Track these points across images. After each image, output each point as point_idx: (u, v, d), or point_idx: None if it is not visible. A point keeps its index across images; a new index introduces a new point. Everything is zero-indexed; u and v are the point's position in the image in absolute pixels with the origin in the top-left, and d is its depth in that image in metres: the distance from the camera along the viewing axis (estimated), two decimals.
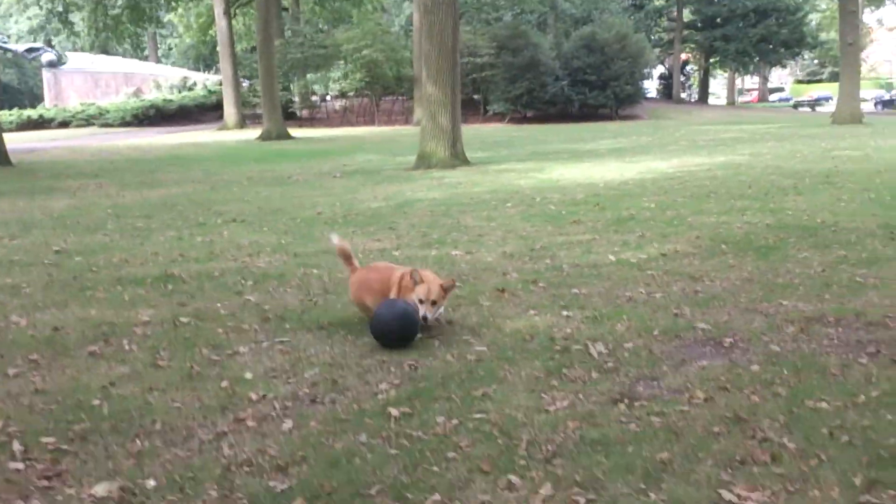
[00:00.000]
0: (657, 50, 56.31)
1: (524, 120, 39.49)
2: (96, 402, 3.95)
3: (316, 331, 5.15)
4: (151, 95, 43.45)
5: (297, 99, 41.42)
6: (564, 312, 5.42)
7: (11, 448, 3.39)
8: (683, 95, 59.80)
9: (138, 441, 3.48)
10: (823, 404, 3.63)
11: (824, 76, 72.94)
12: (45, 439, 3.49)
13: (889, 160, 15.30)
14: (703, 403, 3.74)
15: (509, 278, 6.56)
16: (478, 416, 3.67)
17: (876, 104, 52.57)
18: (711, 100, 63.17)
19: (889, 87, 56.18)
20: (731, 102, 61.23)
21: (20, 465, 3.26)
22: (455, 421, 3.61)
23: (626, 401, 3.81)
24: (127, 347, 4.84)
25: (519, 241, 8.23)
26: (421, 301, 4.70)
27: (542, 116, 38.84)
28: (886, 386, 3.86)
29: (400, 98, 42.66)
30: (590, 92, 38.12)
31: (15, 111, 40.56)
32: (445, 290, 4.84)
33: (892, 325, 4.92)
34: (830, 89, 60.87)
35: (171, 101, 41.70)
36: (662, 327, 5.00)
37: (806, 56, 68.70)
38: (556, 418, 3.60)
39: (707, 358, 4.44)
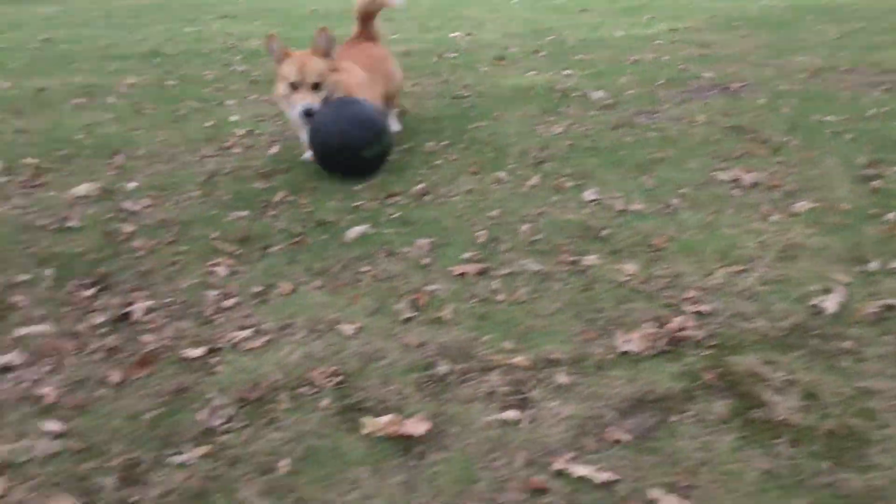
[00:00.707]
0: None
1: None
2: (79, 136, 3.85)
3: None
4: None
5: None
6: (566, 72, 5.19)
7: None
8: None
9: (120, 159, 3.40)
10: (830, 118, 3.48)
11: None
12: (27, 160, 3.41)
13: None
14: (703, 123, 3.60)
15: (510, 51, 6.26)
16: (468, 137, 3.55)
17: None
18: None
19: None
20: None
21: (1, 179, 3.19)
22: (445, 142, 3.49)
23: (623, 127, 3.67)
24: (111, 101, 4.69)
25: (523, 25, 7.86)
26: (294, 86, 3.01)
27: None
28: None
29: None
30: None
31: None
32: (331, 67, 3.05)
33: None
34: None
35: None
36: (667, 78, 4.78)
37: None
38: (548, 138, 3.48)
39: (710, 98, 4.25)
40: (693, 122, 3.64)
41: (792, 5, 8.24)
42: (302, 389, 1.54)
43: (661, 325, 1.68)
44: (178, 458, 1.38)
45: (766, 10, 7.98)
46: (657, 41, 6.31)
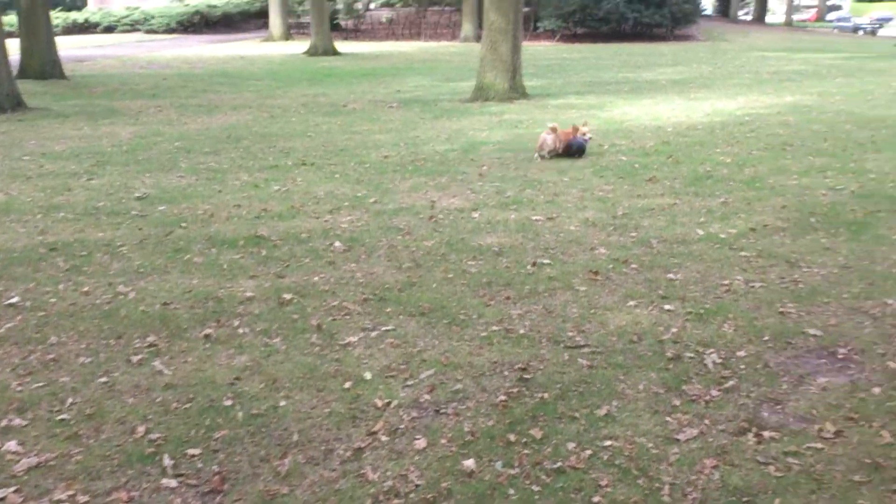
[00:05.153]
0: None
1: (574, 38, 38.17)
2: (227, 402, 4.04)
3: (418, 316, 5.16)
4: (196, 1, 42.72)
5: (340, 6, 40.32)
6: (666, 306, 5.34)
7: (162, 463, 3.51)
8: (741, 13, 57.23)
9: (283, 460, 3.57)
10: None
11: None
12: (190, 451, 3.60)
13: None
14: (834, 439, 3.71)
15: (599, 255, 6.45)
16: (608, 443, 3.68)
17: None
18: (769, 17, 60.24)
19: None
20: (789, 23, 58.16)
21: (173, 483, 3.37)
22: (588, 451, 3.62)
23: (754, 430, 3.80)
24: (240, 331, 4.91)
25: (598, 205, 8.08)
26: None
27: (593, 35, 37.50)
28: None
29: (447, 10, 41.46)
30: (646, 9, 36.43)
31: (61, 14, 40.33)
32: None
33: None
34: (893, 9, 57.47)
35: (215, 7, 41.19)
36: (772, 330, 4.92)
37: None
38: (689, 454, 3.60)
39: (824, 374, 4.38)
40: (823, 433, 3.75)
41: (860, 192, 8.41)
42: None
43: None
44: None
45: (836, 197, 8.16)
46: (742, 252, 6.48)
